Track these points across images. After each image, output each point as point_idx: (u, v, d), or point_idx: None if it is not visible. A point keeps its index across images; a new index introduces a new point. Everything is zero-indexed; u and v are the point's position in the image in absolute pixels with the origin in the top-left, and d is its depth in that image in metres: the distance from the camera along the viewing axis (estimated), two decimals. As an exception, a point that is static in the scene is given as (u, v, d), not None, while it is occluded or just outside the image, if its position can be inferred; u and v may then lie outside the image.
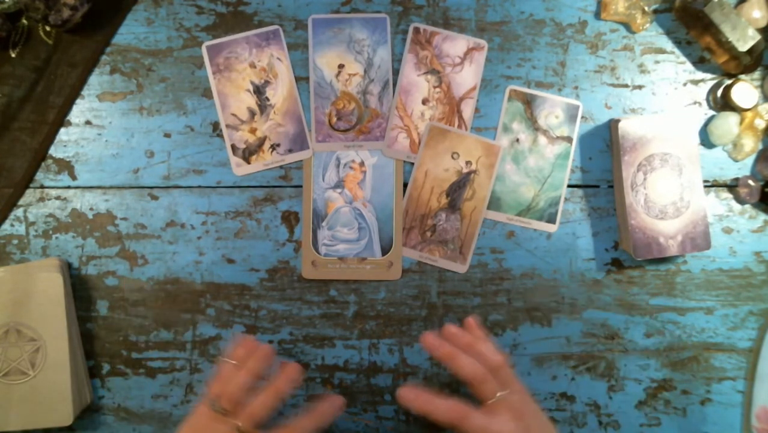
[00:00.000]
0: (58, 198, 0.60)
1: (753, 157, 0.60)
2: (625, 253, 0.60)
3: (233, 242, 0.60)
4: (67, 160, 0.60)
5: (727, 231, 0.60)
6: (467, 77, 0.60)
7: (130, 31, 0.60)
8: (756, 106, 0.58)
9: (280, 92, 0.60)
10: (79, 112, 0.60)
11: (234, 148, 0.60)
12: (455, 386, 0.60)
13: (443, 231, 0.60)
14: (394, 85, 0.60)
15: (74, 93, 0.60)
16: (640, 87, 0.60)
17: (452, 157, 0.60)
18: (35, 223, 0.60)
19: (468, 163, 0.60)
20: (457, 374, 0.50)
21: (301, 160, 0.60)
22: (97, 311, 0.60)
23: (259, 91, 0.60)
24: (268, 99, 0.60)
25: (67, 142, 0.60)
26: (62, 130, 0.60)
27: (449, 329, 0.52)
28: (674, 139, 0.56)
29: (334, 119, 0.60)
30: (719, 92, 0.59)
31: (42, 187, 0.60)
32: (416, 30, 0.60)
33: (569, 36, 0.60)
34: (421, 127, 0.60)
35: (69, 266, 0.60)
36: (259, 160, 0.60)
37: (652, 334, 0.60)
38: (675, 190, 0.57)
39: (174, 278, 0.60)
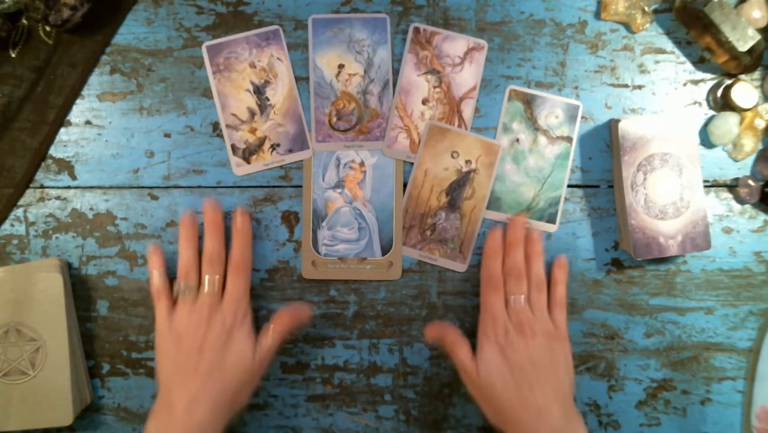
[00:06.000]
0: (58, 198, 0.60)
1: (753, 157, 0.60)
2: (625, 253, 0.60)
3: (233, 242, 0.60)
4: (67, 160, 0.60)
5: (727, 231, 0.60)
6: (467, 77, 0.60)
7: (130, 31, 0.60)
8: (756, 106, 0.58)
9: (280, 92, 0.60)
10: (79, 112, 0.60)
11: (234, 148, 0.60)
12: (455, 386, 0.60)
13: (443, 230, 0.60)
14: (394, 85, 0.60)
15: (74, 93, 0.60)
16: (640, 87, 0.60)
17: (452, 156, 0.60)
18: (35, 223, 0.60)
19: (468, 162, 0.60)
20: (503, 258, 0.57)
21: (301, 160, 0.60)
22: (97, 311, 0.60)
23: (259, 91, 0.60)
24: (268, 99, 0.60)
25: (67, 142, 0.60)
26: (62, 130, 0.60)
27: (531, 235, 0.58)
28: (674, 139, 0.56)
29: (334, 119, 0.60)
30: (719, 92, 0.59)
31: (42, 187, 0.60)
32: (416, 30, 0.60)
33: (569, 36, 0.60)
34: (421, 127, 0.60)
35: (69, 266, 0.60)
36: (259, 160, 0.60)
37: (652, 334, 0.60)
38: (675, 190, 0.57)
39: (174, 278, 0.60)
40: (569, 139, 0.60)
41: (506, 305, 0.56)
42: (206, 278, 0.55)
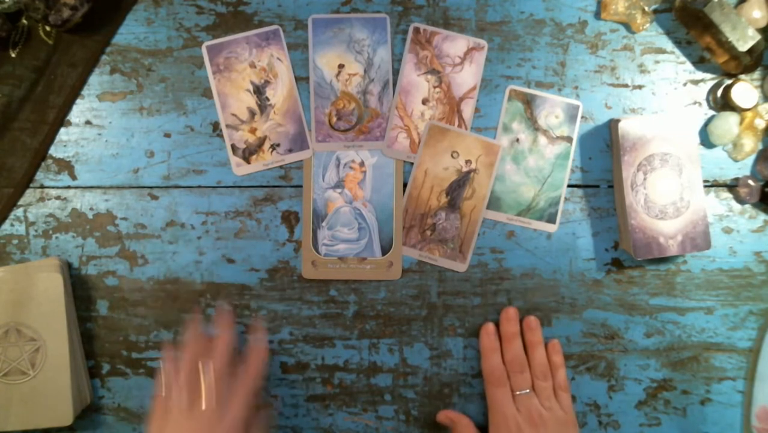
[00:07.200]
0: (58, 198, 0.60)
1: (753, 157, 0.60)
2: (625, 253, 0.60)
3: (233, 242, 0.60)
4: (67, 160, 0.60)
5: (727, 231, 0.60)
6: (467, 77, 0.60)
7: (130, 31, 0.60)
8: (756, 106, 0.58)
9: (280, 92, 0.60)
10: (79, 112, 0.60)
11: (234, 148, 0.60)
12: (455, 386, 0.60)
13: (443, 230, 0.60)
14: (394, 85, 0.60)
15: (74, 93, 0.60)
16: (640, 87, 0.60)
17: (452, 156, 0.60)
18: (35, 223, 0.60)
19: (468, 162, 0.60)
20: (503, 354, 0.58)
21: (301, 160, 0.60)
22: (97, 311, 0.60)
23: (259, 91, 0.60)
24: (268, 99, 0.60)
25: (67, 142, 0.60)
26: (62, 130, 0.60)
27: (529, 322, 0.59)
28: (674, 139, 0.56)
29: (334, 119, 0.60)
30: (719, 92, 0.59)
31: (42, 187, 0.60)
32: (416, 30, 0.60)
33: (569, 36, 0.60)
34: (421, 127, 0.60)
35: (69, 266, 0.60)
36: (259, 160, 0.60)
37: (652, 334, 0.60)
38: (675, 190, 0.57)
39: (174, 278, 0.60)
40: (569, 139, 0.60)
41: (513, 397, 0.56)
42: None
